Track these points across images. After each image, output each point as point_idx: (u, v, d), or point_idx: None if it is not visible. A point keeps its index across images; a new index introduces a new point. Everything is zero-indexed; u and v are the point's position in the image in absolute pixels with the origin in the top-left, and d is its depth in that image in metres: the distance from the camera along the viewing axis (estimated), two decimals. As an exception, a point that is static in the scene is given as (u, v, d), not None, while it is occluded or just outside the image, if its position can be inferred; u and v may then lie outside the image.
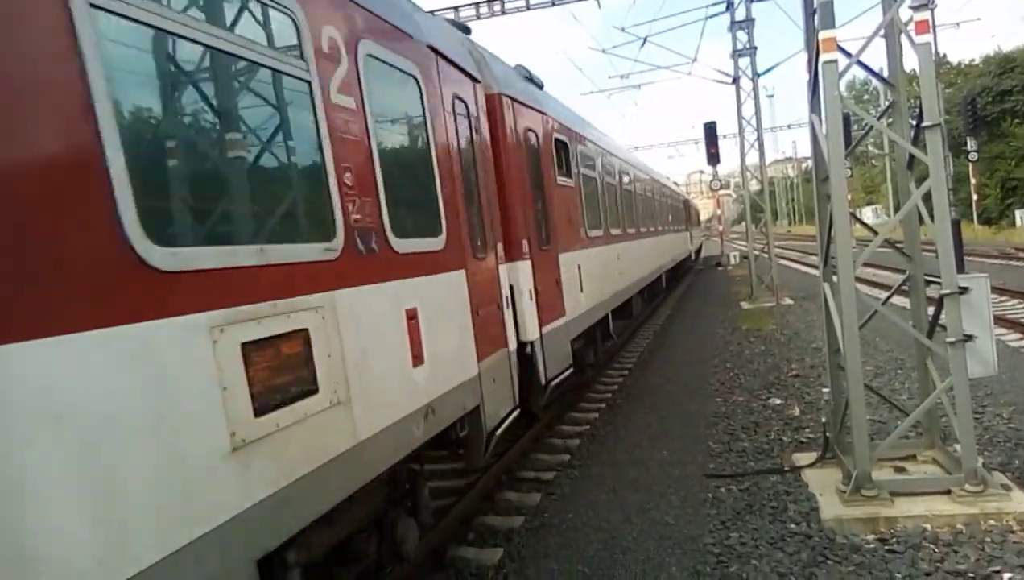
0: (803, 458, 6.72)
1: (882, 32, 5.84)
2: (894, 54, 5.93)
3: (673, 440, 7.89)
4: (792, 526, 5.41)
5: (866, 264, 7.27)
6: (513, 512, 6.43)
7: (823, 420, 6.68)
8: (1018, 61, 45.32)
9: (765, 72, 23.60)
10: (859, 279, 5.73)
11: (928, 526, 5.12)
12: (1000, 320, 11.34)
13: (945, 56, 52.36)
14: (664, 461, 7.25)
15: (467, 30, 7.27)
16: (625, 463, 7.33)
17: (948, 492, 5.42)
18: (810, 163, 9.78)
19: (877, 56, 6.15)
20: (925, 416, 6.13)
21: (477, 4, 22.41)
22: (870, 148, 45.70)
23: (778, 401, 9.02)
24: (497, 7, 22.34)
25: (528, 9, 22.27)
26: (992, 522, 5.06)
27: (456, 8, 22.37)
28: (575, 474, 7.23)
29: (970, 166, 39.02)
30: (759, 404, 9.00)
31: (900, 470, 6.04)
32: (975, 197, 41.94)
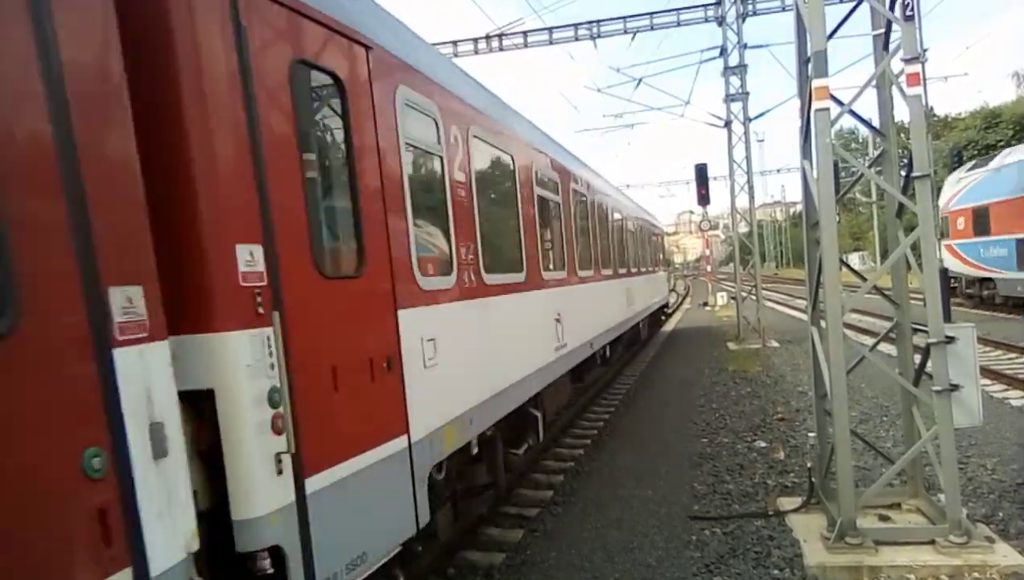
0: (788, 503, 6.68)
1: (874, 82, 5.96)
2: (885, 105, 6.03)
3: (658, 479, 7.84)
4: (775, 572, 5.37)
5: (853, 310, 7.31)
6: (495, 548, 6.34)
7: (808, 465, 6.68)
8: (1004, 116, 46.56)
9: (757, 117, 23.01)
10: (846, 325, 5.75)
11: (912, 576, 5.09)
12: (985, 371, 11.41)
13: (932, 108, 53.58)
14: (648, 500, 7.19)
15: None
16: (609, 501, 7.26)
17: (932, 542, 5.40)
18: (799, 207, 9.90)
19: (866, 105, 6.29)
20: (910, 464, 6.12)
21: (475, 40, 22.80)
22: (857, 195, 46.51)
23: (763, 444, 9.00)
24: (495, 43, 22.71)
25: (526, 47, 22.67)
26: (976, 574, 5.03)
27: (455, 42, 22.74)
28: (558, 511, 7.15)
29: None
30: (744, 446, 8.96)
31: (885, 518, 6.02)
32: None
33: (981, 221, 22.80)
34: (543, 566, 5.83)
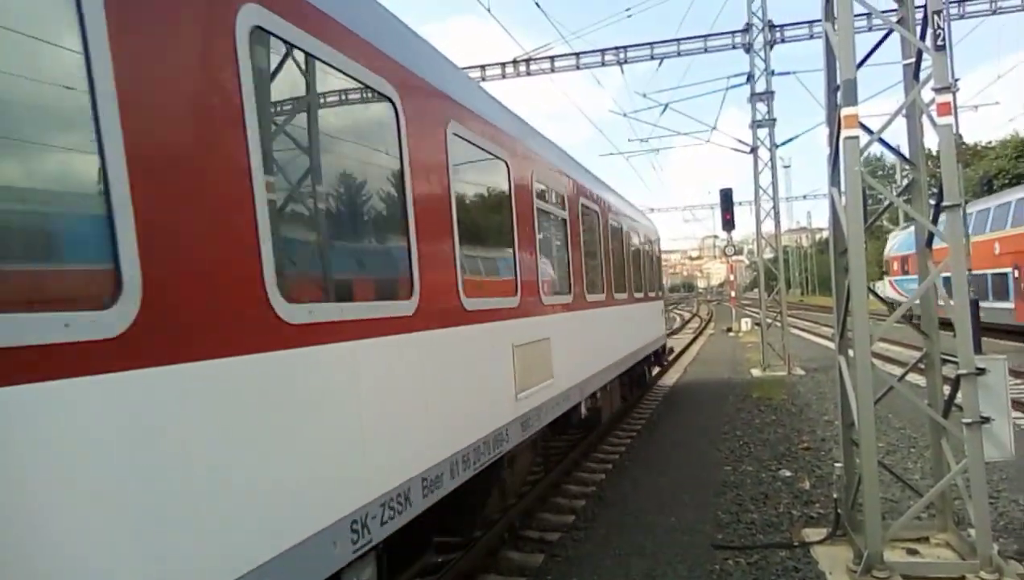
0: (813, 534, 6.59)
1: (903, 111, 5.95)
2: (915, 134, 6.01)
3: (681, 507, 7.76)
4: (801, 604, 5.30)
5: (882, 339, 7.25)
6: (516, 573, 6.32)
7: (834, 496, 6.58)
8: None
9: (783, 144, 22.85)
10: (874, 354, 5.70)
11: (941, 612, 4.98)
12: (1017, 403, 11.20)
13: (961, 137, 53.00)
14: (672, 528, 7.12)
15: None
16: (631, 527, 7.20)
17: (962, 578, 5.30)
18: (825, 234, 9.83)
19: (895, 133, 6.26)
20: (939, 498, 6.02)
21: (503, 64, 23.14)
22: (885, 224, 46.08)
23: (788, 473, 8.88)
24: (523, 68, 23.04)
25: (552, 71, 22.95)
26: (1008, 613, 4.91)
27: (483, 67, 23.05)
28: (580, 536, 7.11)
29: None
30: (769, 475, 8.86)
31: (913, 552, 5.91)
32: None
33: (904, 265, 34.90)
34: (565, 591, 5.80)
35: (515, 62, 22.99)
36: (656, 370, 17.99)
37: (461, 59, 23.44)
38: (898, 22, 5.95)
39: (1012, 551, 5.90)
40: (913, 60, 5.94)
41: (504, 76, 23.18)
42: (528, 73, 23.22)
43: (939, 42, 5.49)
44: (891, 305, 6.45)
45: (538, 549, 6.86)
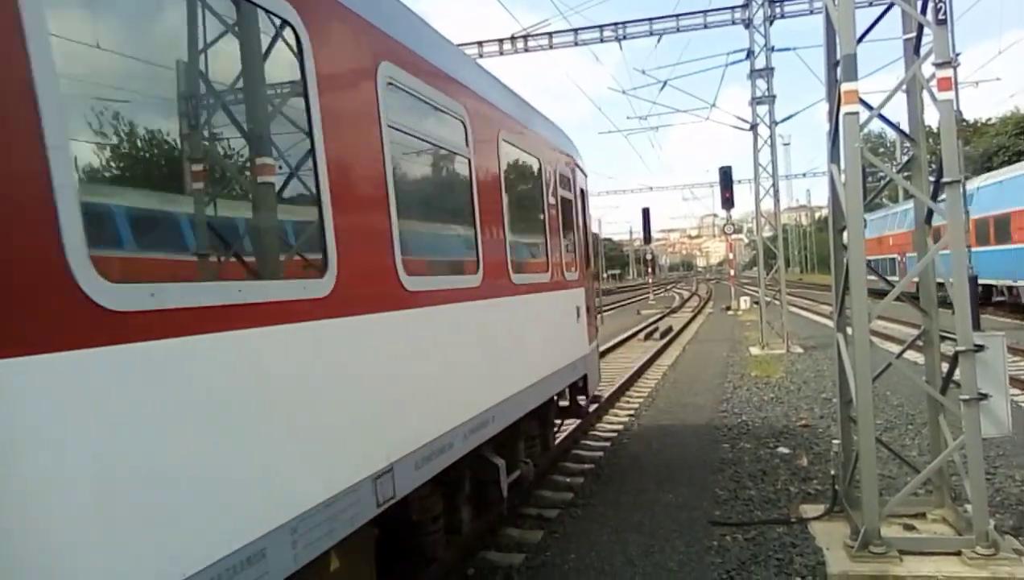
0: (811, 510, 6.62)
1: (904, 87, 5.86)
2: (915, 110, 5.92)
3: (679, 484, 7.80)
4: (798, 579, 5.33)
5: (880, 316, 7.22)
6: (515, 549, 6.35)
7: (832, 472, 6.59)
8: None
9: (783, 120, 22.52)
10: (872, 331, 5.69)
11: (937, 587, 5.00)
12: (1015, 381, 11.22)
13: (961, 113, 52.56)
14: (669, 504, 7.16)
15: None
16: (629, 504, 7.25)
17: (959, 553, 5.31)
18: (825, 212, 9.68)
19: (895, 109, 6.18)
20: (936, 474, 6.03)
21: (501, 41, 22.83)
22: (885, 201, 45.83)
23: (786, 450, 8.92)
24: (520, 44, 22.75)
25: (551, 48, 22.66)
26: (1003, 587, 4.93)
27: (480, 43, 22.80)
28: (578, 513, 7.15)
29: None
30: (767, 452, 8.90)
31: (909, 527, 5.93)
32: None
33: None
34: (562, 568, 5.83)
35: (513, 39, 22.67)
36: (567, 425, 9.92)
37: (459, 36, 23.25)
38: (901, -4, 5.86)
39: (1008, 527, 5.96)
40: (914, 35, 5.83)
41: (502, 52, 22.89)
42: (527, 50, 22.83)
43: (940, 16, 5.39)
44: (890, 283, 6.42)
45: (537, 526, 6.89)
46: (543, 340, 7.01)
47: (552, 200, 7.66)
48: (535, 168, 7.23)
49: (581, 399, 8.63)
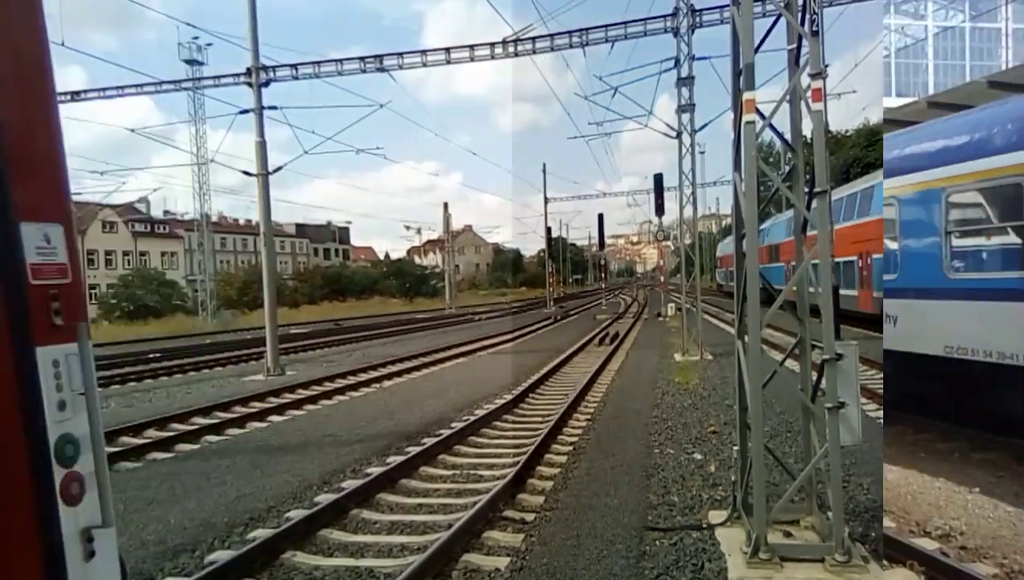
0: (716, 516, 6.34)
1: (788, 97, 5.16)
2: (796, 120, 5.20)
3: (621, 488, 7.58)
4: (707, 585, 5.14)
5: (770, 325, 6.17)
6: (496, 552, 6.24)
7: (732, 479, 6.20)
8: (880, 135, 43.65)
9: (699, 129, 20.03)
10: (764, 340, 5.19)
11: (807, 593, 4.80)
12: (866, 390, 11.20)
13: (827, 125, 48.19)
14: (614, 508, 6.91)
15: None
16: (585, 508, 7.00)
17: (823, 560, 5.08)
18: (730, 220, 8.96)
19: (782, 120, 5.29)
20: (807, 481, 5.60)
21: (492, 45, 20.23)
22: (771, 210, 42.01)
23: (700, 456, 8.75)
24: (511, 48, 20.12)
25: (535, 52, 20.14)
26: (855, 593, 4.76)
27: (472, 47, 20.38)
28: (550, 516, 6.88)
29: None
30: (686, 458, 8.71)
31: (788, 535, 5.68)
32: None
33: (723, 263, 46.27)
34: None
35: (504, 43, 19.96)
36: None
37: (453, 40, 21.21)
38: (786, 7, 5.09)
39: (858, 534, 5.78)
40: (795, 46, 5.08)
41: (493, 56, 20.16)
42: (516, 54, 19.96)
43: (814, 28, 4.93)
44: (775, 291, 5.59)
45: (518, 530, 6.69)
46: None
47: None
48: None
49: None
